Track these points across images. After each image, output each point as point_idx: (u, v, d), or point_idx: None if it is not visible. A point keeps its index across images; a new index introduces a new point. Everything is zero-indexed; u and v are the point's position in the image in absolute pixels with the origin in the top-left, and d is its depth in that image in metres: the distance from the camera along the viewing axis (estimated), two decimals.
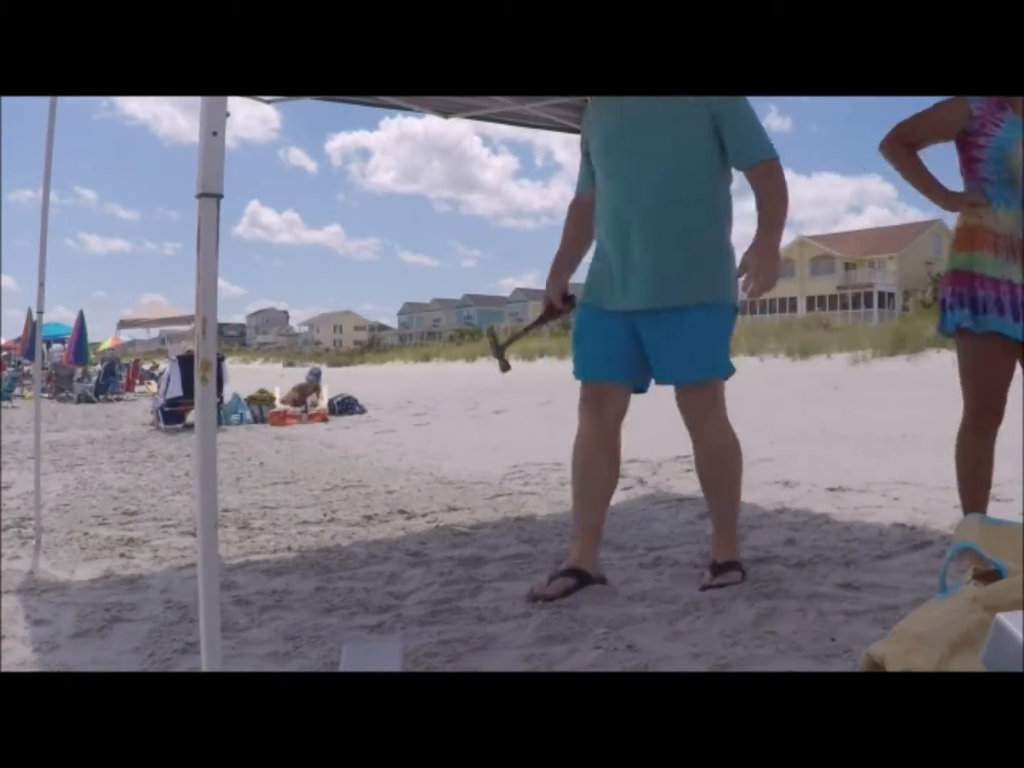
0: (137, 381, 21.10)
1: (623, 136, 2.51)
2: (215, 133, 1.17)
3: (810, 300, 48.98)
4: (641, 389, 2.65)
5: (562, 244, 2.75)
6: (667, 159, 2.46)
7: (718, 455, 2.60)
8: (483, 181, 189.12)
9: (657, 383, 2.61)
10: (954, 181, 2.67)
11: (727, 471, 2.60)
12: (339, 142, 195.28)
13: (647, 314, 2.50)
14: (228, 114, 1.19)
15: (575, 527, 2.63)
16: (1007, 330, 2.48)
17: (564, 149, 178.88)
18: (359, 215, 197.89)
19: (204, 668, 1.25)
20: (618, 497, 4.12)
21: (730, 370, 2.57)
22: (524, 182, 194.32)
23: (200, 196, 1.16)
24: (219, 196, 1.17)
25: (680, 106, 2.43)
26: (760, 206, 2.48)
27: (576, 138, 2.82)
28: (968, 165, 2.59)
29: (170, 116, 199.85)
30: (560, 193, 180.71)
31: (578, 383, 2.63)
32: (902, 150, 2.68)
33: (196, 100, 1.20)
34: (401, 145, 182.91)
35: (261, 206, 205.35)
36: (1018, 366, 2.58)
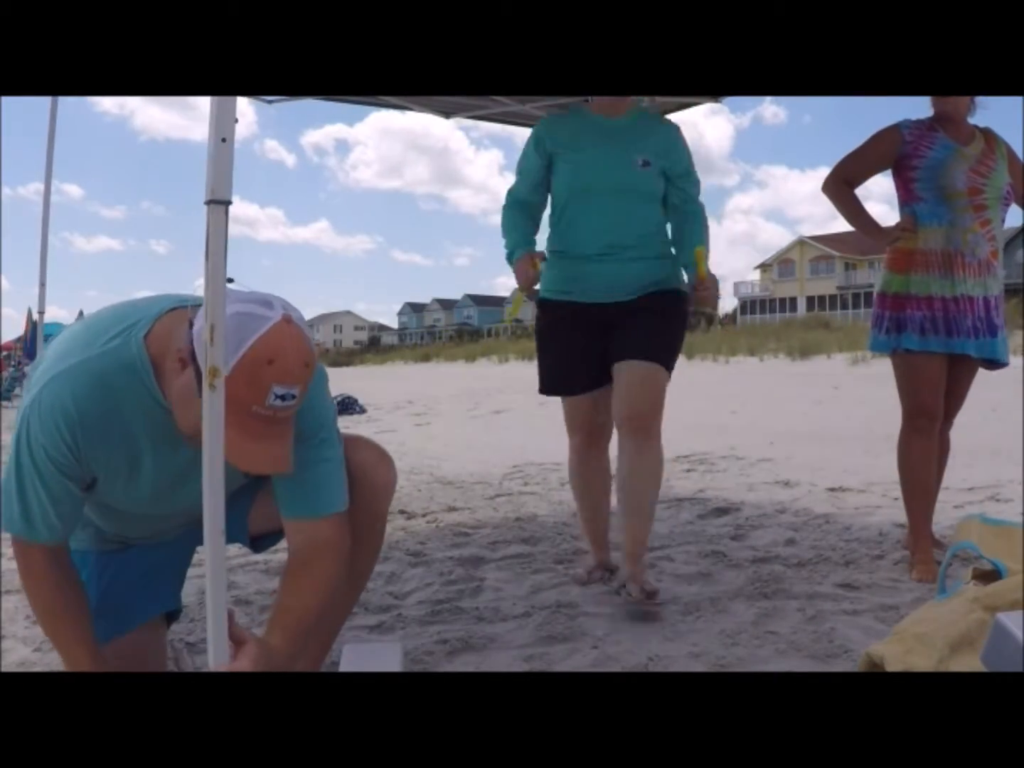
0: None
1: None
2: (224, 140, 1.16)
3: (810, 300, 48.96)
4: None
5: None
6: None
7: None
8: (468, 177, 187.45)
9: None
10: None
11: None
12: (316, 136, 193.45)
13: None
14: (236, 120, 1.18)
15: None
16: (933, 347, 2.64)
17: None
18: (344, 211, 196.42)
19: (211, 667, 1.25)
20: None
21: None
22: (509, 176, 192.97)
23: (209, 203, 1.16)
24: (228, 203, 1.16)
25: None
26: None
27: None
28: (905, 186, 2.73)
29: (143, 110, 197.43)
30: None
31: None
32: (843, 189, 2.79)
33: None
34: (381, 139, 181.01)
35: (241, 201, 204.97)
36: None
